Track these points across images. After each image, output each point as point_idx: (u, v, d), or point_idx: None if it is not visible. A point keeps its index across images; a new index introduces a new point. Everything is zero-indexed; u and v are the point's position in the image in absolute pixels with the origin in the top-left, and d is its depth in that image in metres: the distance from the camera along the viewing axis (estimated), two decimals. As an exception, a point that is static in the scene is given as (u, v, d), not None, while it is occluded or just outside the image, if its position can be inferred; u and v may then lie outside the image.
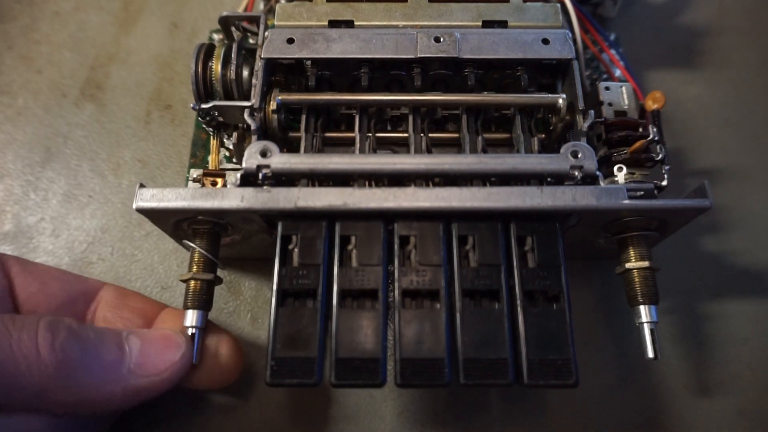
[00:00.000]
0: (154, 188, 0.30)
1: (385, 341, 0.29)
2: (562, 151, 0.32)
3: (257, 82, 0.35)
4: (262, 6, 0.45)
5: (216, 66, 0.36)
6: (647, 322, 0.32)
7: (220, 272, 0.34)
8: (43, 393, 0.27)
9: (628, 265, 0.33)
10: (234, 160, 0.37)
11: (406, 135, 0.36)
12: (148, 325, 0.34)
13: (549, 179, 0.32)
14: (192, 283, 0.32)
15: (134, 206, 0.30)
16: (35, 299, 0.33)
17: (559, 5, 0.39)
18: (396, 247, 0.31)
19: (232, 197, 0.30)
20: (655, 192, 0.33)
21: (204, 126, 0.38)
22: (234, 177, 0.32)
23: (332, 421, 0.36)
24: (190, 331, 0.32)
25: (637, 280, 0.33)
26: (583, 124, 0.34)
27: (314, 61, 0.37)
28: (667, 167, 0.35)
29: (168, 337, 0.31)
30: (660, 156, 0.35)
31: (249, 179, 0.31)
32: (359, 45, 0.36)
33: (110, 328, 0.31)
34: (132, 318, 0.34)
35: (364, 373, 0.28)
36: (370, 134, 0.36)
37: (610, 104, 0.37)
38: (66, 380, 0.28)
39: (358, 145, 0.35)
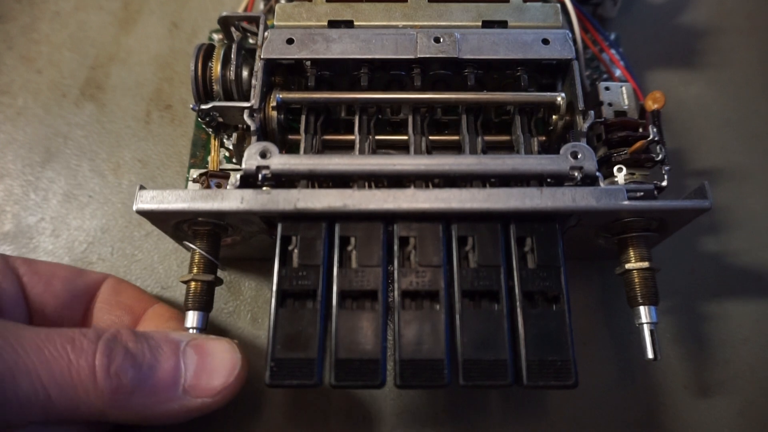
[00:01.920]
0: (154, 190, 0.31)
1: (385, 342, 0.29)
2: (561, 151, 0.32)
3: (257, 82, 0.35)
4: (261, 6, 0.45)
5: (216, 66, 0.36)
6: (647, 323, 0.32)
7: (220, 273, 0.34)
8: (101, 414, 0.28)
9: (628, 266, 0.33)
10: (234, 160, 0.37)
11: (405, 138, 0.36)
12: (134, 321, 0.34)
13: (549, 180, 0.32)
14: (192, 284, 0.32)
15: (134, 208, 0.30)
16: (41, 299, 0.33)
17: (559, 5, 0.39)
18: (396, 248, 0.31)
19: (231, 199, 0.30)
20: (655, 192, 0.33)
21: (204, 126, 0.38)
22: (234, 178, 0.32)
23: (332, 421, 0.36)
24: (192, 332, 0.32)
25: (637, 280, 0.33)
26: (583, 125, 0.34)
27: (314, 61, 0.37)
28: (667, 167, 0.35)
29: (225, 353, 0.31)
30: (660, 156, 0.35)
31: (249, 180, 0.31)
32: (359, 45, 0.36)
33: (169, 338, 0.31)
34: (121, 315, 0.34)
35: (363, 374, 0.28)
36: (369, 136, 0.36)
37: (610, 104, 0.37)
38: (122, 403, 0.28)
39: (357, 146, 0.35)
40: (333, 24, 0.37)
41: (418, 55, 0.35)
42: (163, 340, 0.30)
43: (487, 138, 0.36)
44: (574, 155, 0.32)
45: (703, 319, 0.39)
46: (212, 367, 0.30)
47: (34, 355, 0.27)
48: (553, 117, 0.36)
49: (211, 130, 0.38)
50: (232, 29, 0.39)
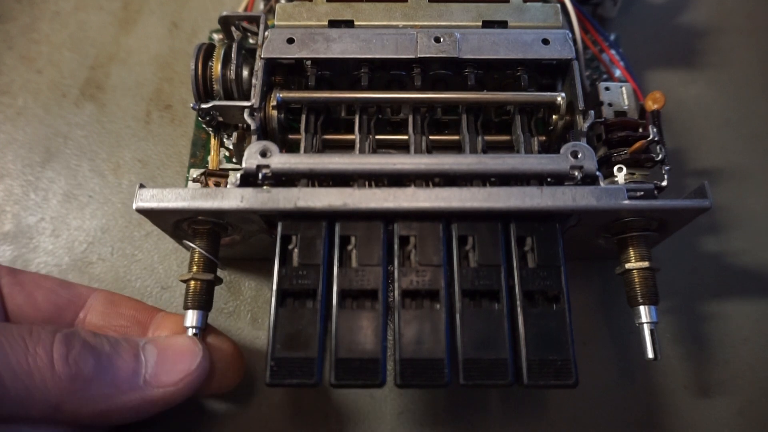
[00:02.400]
0: (153, 188, 0.30)
1: (385, 341, 0.29)
2: (562, 151, 0.32)
3: (257, 82, 0.35)
4: (262, 6, 0.45)
5: (216, 66, 0.36)
6: (647, 323, 0.32)
7: (220, 272, 0.34)
8: (58, 405, 0.28)
9: (628, 266, 0.33)
10: (234, 160, 0.37)
11: (405, 137, 0.36)
12: (143, 332, 0.34)
13: (549, 179, 0.32)
14: (192, 283, 0.32)
15: (134, 206, 0.30)
16: (22, 311, 0.33)
17: (559, 5, 0.39)
18: (396, 247, 0.31)
19: (231, 197, 0.30)
20: (655, 192, 0.33)
21: (204, 126, 0.38)
22: (234, 177, 0.32)
23: (332, 421, 0.36)
24: (190, 332, 0.32)
25: (637, 280, 0.33)
26: (583, 125, 0.34)
27: (314, 61, 0.37)
28: (667, 167, 0.35)
29: (184, 346, 0.31)
30: (660, 156, 0.35)
31: (249, 179, 0.31)
32: (359, 45, 0.36)
33: (127, 337, 0.31)
34: (125, 325, 0.34)
35: (363, 373, 0.28)
36: (370, 135, 0.36)
37: (610, 104, 0.37)
38: (80, 393, 0.28)
39: (357, 145, 0.35)
40: (333, 24, 0.37)
41: (419, 55, 0.35)
42: (122, 337, 0.31)
43: (487, 138, 0.36)
44: (575, 155, 0.32)
45: (703, 319, 0.39)
46: (173, 357, 0.30)
47: None
48: (553, 117, 0.36)
49: (211, 129, 0.38)
50: (233, 29, 0.39)
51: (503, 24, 0.37)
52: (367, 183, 0.33)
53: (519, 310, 0.30)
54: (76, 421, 0.29)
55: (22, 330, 0.28)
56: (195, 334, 0.32)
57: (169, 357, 0.30)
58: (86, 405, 0.28)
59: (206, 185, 0.34)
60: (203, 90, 0.36)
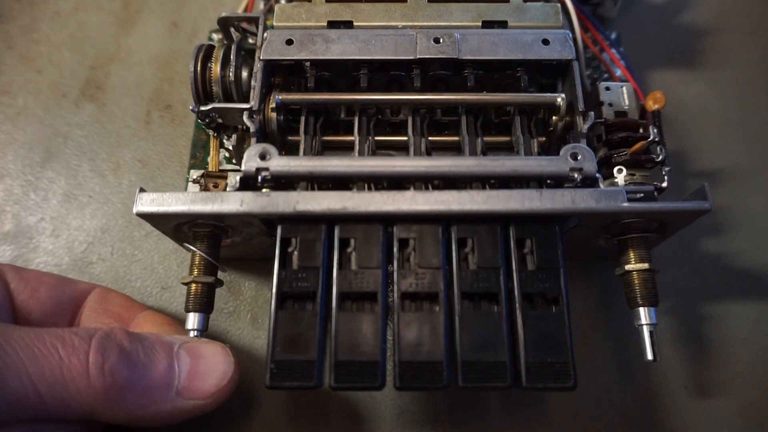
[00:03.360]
0: (154, 192, 0.31)
1: (385, 344, 0.29)
2: (561, 153, 0.32)
3: (256, 83, 0.35)
4: (261, 6, 0.45)
5: (215, 67, 0.36)
6: (646, 324, 0.32)
7: (220, 273, 0.34)
8: (91, 413, 0.28)
9: (627, 267, 0.33)
10: (234, 161, 0.37)
11: (405, 139, 0.36)
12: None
13: (548, 181, 0.32)
14: (193, 286, 0.32)
15: (134, 211, 0.30)
16: (27, 306, 0.33)
17: (559, 5, 0.38)
18: (395, 249, 0.31)
19: (231, 201, 0.30)
20: (655, 194, 0.33)
21: (204, 127, 0.38)
22: (233, 179, 0.32)
23: (332, 422, 0.36)
24: (192, 334, 0.32)
25: (636, 281, 0.33)
26: (583, 126, 0.34)
27: (313, 62, 0.37)
28: (667, 168, 0.35)
29: (217, 357, 0.31)
30: (660, 157, 0.35)
31: (248, 182, 0.31)
32: (358, 46, 0.36)
33: (162, 339, 0.31)
34: (110, 323, 0.34)
35: (363, 375, 0.28)
36: (369, 137, 0.36)
37: (610, 104, 0.37)
38: (113, 402, 0.28)
39: (357, 147, 0.35)
40: (332, 24, 0.37)
41: (418, 56, 0.35)
42: (156, 341, 0.30)
43: (486, 139, 0.36)
44: (574, 157, 0.32)
45: (703, 319, 0.39)
46: (205, 370, 0.30)
47: (23, 353, 0.27)
48: (553, 118, 0.36)
49: (211, 131, 0.38)
50: (232, 30, 0.39)
51: (503, 24, 0.37)
52: (366, 186, 0.33)
53: (518, 312, 0.30)
54: (110, 423, 0.30)
55: (53, 337, 0.28)
56: (195, 337, 0.32)
57: (202, 368, 0.30)
58: (118, 413, 0.29)
59: (206, 187, 0.34)
60: (202, 92, 0.36)
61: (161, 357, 0.30)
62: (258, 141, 0.34)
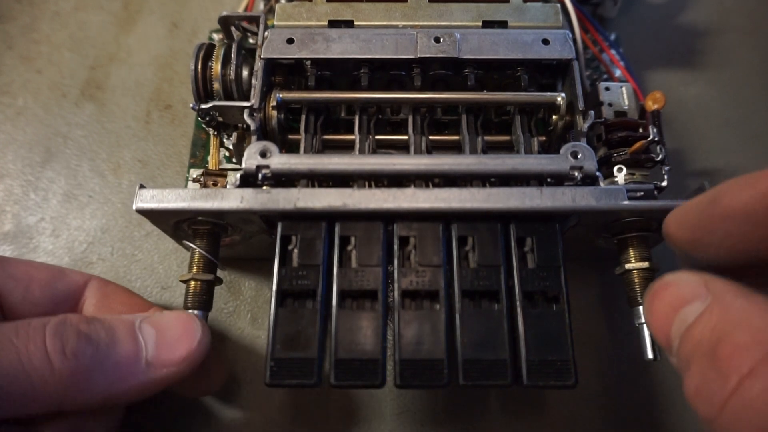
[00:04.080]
0: (153, 189, 0.31)
1: (385, 342, 0.29)
2: (561, 151, 0.32)
3: (257, 82, 0.35)
4: (262, 6, 0.45)
5: (216, 66, 0.36)
6: (647, 323, 0.32)
7: (220, 272, 0.34)
8: (62, 400, 0.27)
9: (628, 266, 0.33)
10: (234, 160, 0.37)
11: (405, 137, 0.36)
12: None
13: (549, 180, 0.32)
14: (192, 283, 0.32)
15: (134, 207, 0.30)
16: (20, 309, 0.31)
17: (559, 5, 0.39)
18: (396, 247, 0.31)
19: (231, 198, 0.30)
20: (655, 193, 0.33)
21: (204, 126, 0.38)
22: (234, 177, 0.32)
23: (332, 421, 0.36)
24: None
25: (636, 280, 0.33)
26: (583, 125, 0.34)
27: (314, 61, 0.37)
28: (667, 168, 0.35)
29: (183, 322, 0.30)
30: (660, 156, 0.35)
31: (249, 180, 0.31)
32: (359, 45, 0.36)
33: (121, 317, 0.30)
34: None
35: (363, 374, 0.28)
36: (369, 135, 0.36)
37: (610, 104, 0.37)
38: (83, 385, 0.27)
39: (357, 145, 0.35)
40: (333, 24, 0.37)
41: (418, 55, 0.35)
42: (115, 319, 0.29)
43: (487, 138, 0.36)
44: (574, 155, 0.32)
45: (703, 319, 0.39)
46: (173, 337, 0.30)
47: None
48: (553, 117, 0.36)
49: (211, 129, 0.38)
50: (232, 29, 0.39)
51: (503, 24, 0.37)
52: (366, 183, 0.33)
53: (518, 310, 0.30)
54: (81, 410, 0.29)
55: (6, 330, 0.27)
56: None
57: (169, 336, 0.30)
58: (90, 395, 0.28)
59: (206, 185, 0.34)
60: (203, 90, 0.36)
61: (123, 333, 0.29)
62: (258, 139, 0.34)
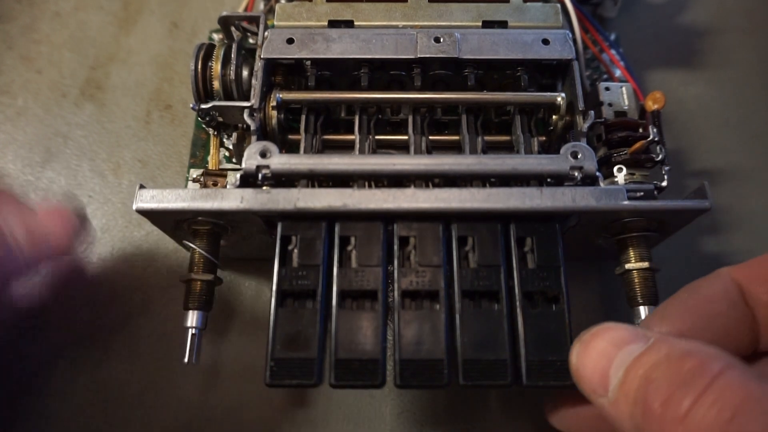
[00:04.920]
0: (153, 189, 0.31)
1: (385, 342, 0.29)
2: (561, 151, 0.32)
3: (257, 82, 0.35)
4: (262, 6, 0.45)
5: (216, 66, 0.36)
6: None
7: (219, 272, 0.34)
8: None
9: (627, 266, 0.33)
10: (234, 160, 0.37)
11: (405, 138, 0.36)
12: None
13: (549, 180, 0.32)
14: (192, 283, 0.32)
15: (134, 207, 0.30)
16: None
17: (559, 5, 0.38)
18: (395, 247, 0.30)
19: (231, 198, 0.30)
20: (655, 193, 0.33)
21: (204, 126, 0.38)
22: (234, 177, 0.32)
23: (332, 421, 0.36)
24: (191, 332, 0.32)
25: (636, 280, 0.33)
26: (583, 125, 0.34)
27: (314, 61, 0.37)
28: (667, 168, 0.35)
29: (54, 215, 0.30)
30: (660, 156, 0.35)
31: (248, 180, 0.31)
32: (359, 45, 0.36)
33: None
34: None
35: (363, 374, 0.28)
36: (369, 136, 0.36)
37: (610, 105, 0.37)
38: None
39: (357, 145, 0.35)
40: (333, 24, 0.37)
41: (419, 55, 0.35)
42: None
43: (487, 138, 0.36)
44: (574, 155, 0.32)
45: (703, 319, 0.39)
46: (47, 233, 0.30)
47: None
48: (553, 117, 0.36)
49: (211, 129, 0.38)
50: (232, 29, 0.39)
51: (503, 24, 0.37)
52: (366, 183, 0.33)
53: (518, 310, 0.30)
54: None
55: None
56: (194, 335, 0.32)
57: (42, 232, 0.30)
58: None
59: (206, 185, 0.34)
60: (203, 90, 0.36)
61: None
62: (258, 139, 0.34)
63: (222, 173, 0.35)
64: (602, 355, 0.25)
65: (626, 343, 0.24)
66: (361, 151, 0.35)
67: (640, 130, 0.36)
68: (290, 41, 0.36)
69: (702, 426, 0.20)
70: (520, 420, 0.37)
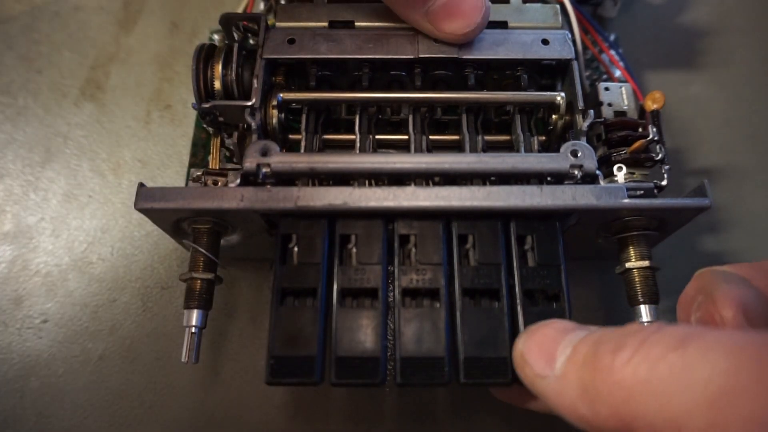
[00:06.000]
0: (154, 188, 0.31)
1: (385, 340, 0.29)
2: (561, 150, 0.32)
3: (258, 81, 0.35)
4: (262, 6, 0.45)
5: (216, 66, 0.36)
6: (647, 322, 0.32)
7: (220, 271, 0.34)
8: None
9: (628, 265, 0.33)
10: (234, 159, 0.37)
11: (406, 137, 0.36)
12: None
13: (549, 178, 0.32)
14: (192, 282, 0.32)
15: (134, 206, 0.30)
16: None
17: (558, 6, 0.39)
18: (396, 245, 0.31)
19: (231, 197, 0.30)
20: (655, 191, 0.33)
21: (204, 126, 0.38)
22: (234, 177, 0.32)
23: (332, 421, 0.36)
24: (190, 330, 0.32)
25: (637, 279, 0.33)
26: (583, 124, 0.34)
27: (315, 61, 0.37)
28: (666, 167, 0.35)
29: None
30: (660, 156, 0.35)
31: (249, 178, 0.31)
32: (360, 45, 0.36)
33: None
34: None
35: (363, 372, 0.28)
36: (370, 135, 0.36)
37: (609, 105, 0.37)
38: None
39: (358, 145, 0.35)
40: (334, 24, 0.37)
41: (419, 55, 0.35)
42: None
43: (487, 137, 0.36)
44: (574, 154, 0.32)
45: (703, 318, 0.39)
46: None
47: None
48: (553, 117, 0.36)
49: (211, 129, 0.38)
50: (233, 29, 0.39)
51: (503, 24, 0.37)
52: (367, 182, 0.33)
53: (519, 308, 0.30)
54: None
55: None
56: (194, 334, 0.32)
57: None
58: None
59: (206, 184, 0.34)
60: (204, 90, 0.36)
61: None
62: (259, 138, 0.34)
63: (222, 172, 0.35)
64: (550, 339, 0.25)
65: (572, 330, 0.25)
66: (362, 151, 0.35)
67: (640, 130, 0.36)
68: (291, 41, 0.36)
69: (651, 356, 0.20)
70: (521, 419, 0.37)
